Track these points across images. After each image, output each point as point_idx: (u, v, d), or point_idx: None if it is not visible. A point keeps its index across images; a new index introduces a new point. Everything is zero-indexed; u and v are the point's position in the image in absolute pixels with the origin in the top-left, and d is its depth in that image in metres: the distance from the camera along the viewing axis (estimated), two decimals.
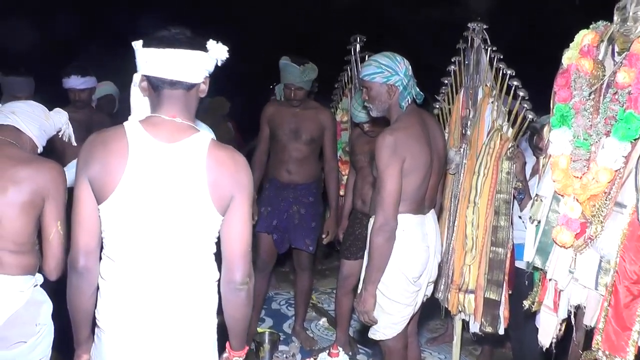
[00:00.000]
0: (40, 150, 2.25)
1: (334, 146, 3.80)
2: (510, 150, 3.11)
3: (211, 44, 1.64)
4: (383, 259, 2.46)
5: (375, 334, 2.65)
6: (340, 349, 3.27)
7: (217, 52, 1.64)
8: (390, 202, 2.38)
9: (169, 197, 1.58)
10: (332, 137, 3.74)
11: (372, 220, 2.52)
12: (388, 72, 2.46)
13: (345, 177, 4.32)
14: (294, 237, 3.74)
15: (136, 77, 1.67)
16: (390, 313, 2.59)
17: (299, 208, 3.71)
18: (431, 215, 2.66)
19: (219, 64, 1.68)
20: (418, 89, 2.54)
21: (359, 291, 2.61)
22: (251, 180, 1.68)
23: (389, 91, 2.48)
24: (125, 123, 1.64)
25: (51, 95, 3.14)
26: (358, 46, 4.14)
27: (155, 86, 1.62)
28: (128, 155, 1.57)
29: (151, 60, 1.59)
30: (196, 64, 1.61)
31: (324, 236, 3.85)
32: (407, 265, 2.53)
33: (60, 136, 2.36)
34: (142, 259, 1.61)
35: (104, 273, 1.66)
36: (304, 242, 3.72)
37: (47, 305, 2.14)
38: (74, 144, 2.33)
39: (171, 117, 1.62)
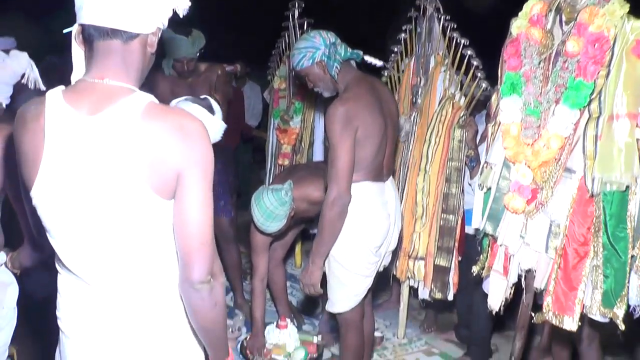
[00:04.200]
0: (7, 102, 1.98)
1: (225, 90, 3.62)
2: (462, 118, 3.14)
3: None
4: (334, 233, 2.43)
5: (333, 306, 2.61)
6: (288, 320, 3.27)
7: None
8: (344, 175, 2.34)
9: (93, 184, 1.27)
10: (222, 87, 3.54)
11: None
12: (310, 52, 2.47)
13: (284, 145, 4.27)
14: None
15: (74, 29, 1.35)
16: (350, 285, 2.56)
17: None
18: (390, 182, 2.62)
19: (181, 15, 1.36)
20: (350, 50, 2.53)
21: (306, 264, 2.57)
22: (208, 152, 1.31)
23: (321, 68, 2.49)
24: (48, 92, 1.32)
25: None
26: (297, 12, 4.02)
27: (88, 38, 1.30)
28: (44, 137, 1.27)
29: (86, 3, 1.27)
30: (141, 8, 1.28)
31: None
32: (368, 234, 2.49)
33: (24, 82, 2.06)
34: (83, 256, 1.35)
35: (58, 267, 1.44)
36: (223, 209, 3.60)
37: (13, 288, 1.96)
38: (43, 88, 2.01)
39: (99, 78, 1.29)
